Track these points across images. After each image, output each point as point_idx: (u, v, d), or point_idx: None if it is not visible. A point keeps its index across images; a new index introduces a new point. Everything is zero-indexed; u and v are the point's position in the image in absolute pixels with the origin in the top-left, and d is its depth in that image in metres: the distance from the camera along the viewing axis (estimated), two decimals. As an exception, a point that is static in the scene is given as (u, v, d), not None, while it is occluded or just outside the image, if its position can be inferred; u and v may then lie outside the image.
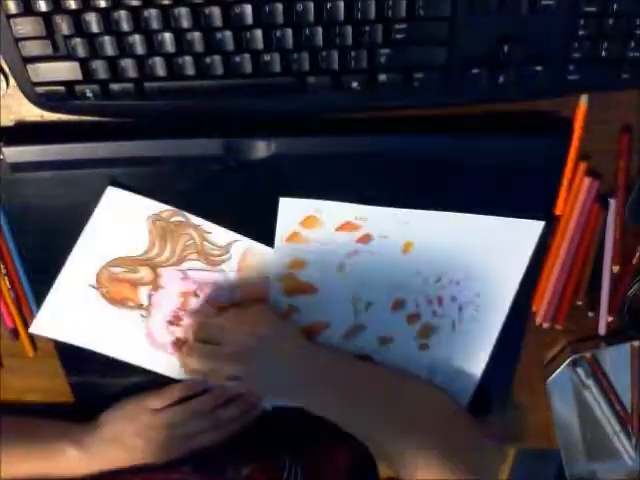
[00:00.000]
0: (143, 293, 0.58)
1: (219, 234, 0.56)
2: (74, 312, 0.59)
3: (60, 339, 0.60)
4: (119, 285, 0.58)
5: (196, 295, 0.58)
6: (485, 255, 0.55)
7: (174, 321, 0.59)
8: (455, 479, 0.51)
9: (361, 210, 0.54)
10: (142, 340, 0.60)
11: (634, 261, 0.57)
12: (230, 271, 0.57)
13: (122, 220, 0.55)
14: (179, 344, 0.60)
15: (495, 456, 0.57)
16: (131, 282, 0.58)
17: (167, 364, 0.61)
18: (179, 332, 0.60)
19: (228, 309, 0.58)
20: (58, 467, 0.58)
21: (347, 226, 0.54)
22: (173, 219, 0.55)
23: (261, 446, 0.62)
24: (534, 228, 0.54)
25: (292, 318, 0.59)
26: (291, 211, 0.54)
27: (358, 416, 0.55)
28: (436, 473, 0.52)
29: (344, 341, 0.60)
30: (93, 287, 0.57)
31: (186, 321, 0.59)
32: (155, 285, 0.58)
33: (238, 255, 0.56)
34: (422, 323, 0.59)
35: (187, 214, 0.55)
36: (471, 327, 0.59)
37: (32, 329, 0.60)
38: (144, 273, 0.57)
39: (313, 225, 0.55)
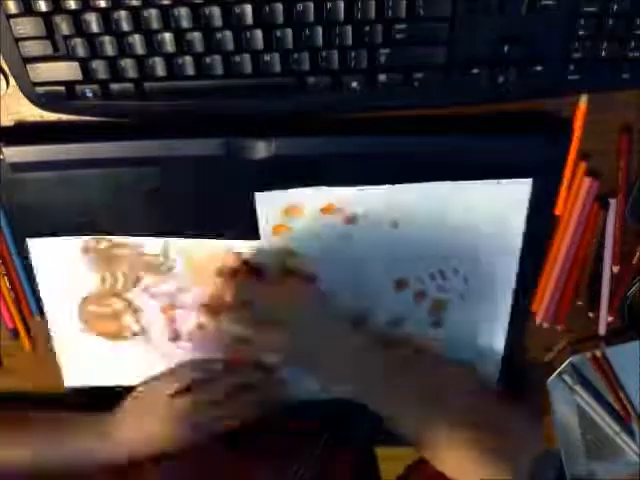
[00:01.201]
0: (130, 320, 0.59)
1: (150, 243, 0.55)
2: (89, 356, 0.59)
3: (95, 384, 0.61)
4: (104, 321, 0.58)
5: (175, 307, 0.58)
6: (478, 222, 0.55)
7: (174, 337, 0.59)
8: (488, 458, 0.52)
9: (340, 191, 0.53)
10: (160, 362, 0.60)
11: (634, 261, 0.57)
12: (182, 274, 0.57)
13: (61, 264, 0.55)
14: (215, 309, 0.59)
15: (531, 434, 0.57)
16: (112, 315, 0.58)
17: None
18: (184, 346, 0.60)
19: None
20: (85, 455, 0.58)
21: (329, 209, 0.54)
22: (101, 246, 0.55)
23: (271, 445, 0.62)
24: (522, 187, 0.53)
25: None
26: (270, 204, 0.54)
27: (391, 398, 0.55)
28: (468, 451, 0.52)
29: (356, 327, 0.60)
30: (84, 330, 0.58)
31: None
32: (134, 310, 0.58)
33: (180, 256, 0.56)
34: (430, 299, 0.58)
35: (112, 237, 0.55)
36: (482, 296, 0.58)
37: (66, 383, 0.62)
38: (117, 304, 0.58)
39: (295, 214, 0.54)
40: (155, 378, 0.61)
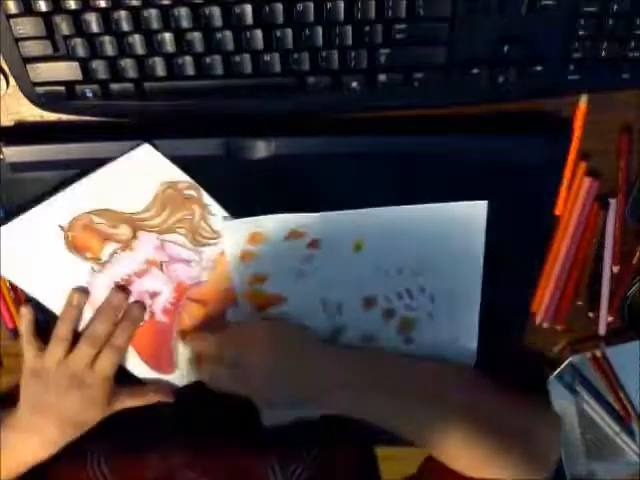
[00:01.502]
0: (108, 250, 0.57)
1: (219, 219, 0.55)
2: (29, 247, 0.56)
3: (13, 281, 0.58)
4: (89, 234, 0.56)
5: (160, 267, 0.58)
6: (438, 242, 0.55)
7: (123, 284, 0.58)
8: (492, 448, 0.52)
9: (301, 218, 0.54)
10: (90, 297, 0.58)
11: (634, 261, 0.57)
12: (208, 256, 0.57)
13: (137, 177, 0.54)
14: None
15: (545, 422, 0.57)
16: (103, 235, 0.56)
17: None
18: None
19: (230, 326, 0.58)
20: (13, 457, 0.57)
21: (292, 235, 0.55)
22: (186, 192, 0.54)
23: (271, 445, 0.62)
24: (479, 208, 0.53)
25: None
26: (235, 232, 0.55)
27: (386, 406, 0.54)
28: (476, 448, 0.52)
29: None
30: (61, 228, 0.55)
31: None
32: (126, 245, 0.57)
33: (224, 245, 0.56)
34: (399, 318, 0.59)
35: (202, 190, 0.54)
36: (449, 314, 0.58)
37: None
38: (123, 230, 0.56)
39: (260, 241, 0.55)
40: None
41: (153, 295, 0.59)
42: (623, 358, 0.62)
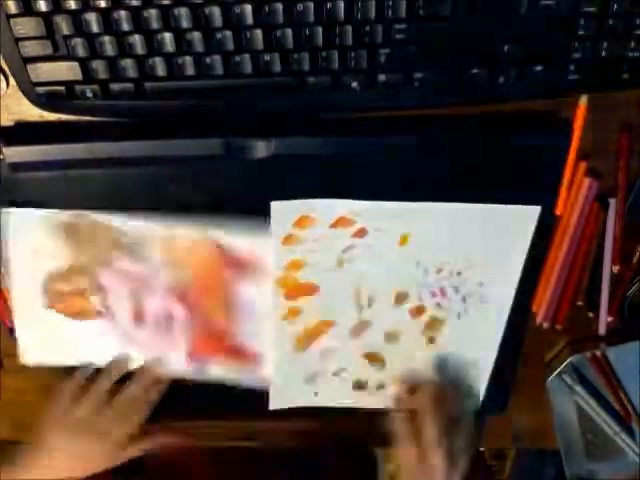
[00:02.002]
0: (95, 300, 0.58)
1: (130, 223, 0.55)
2: (48, 335, 0.59)
3: (52, 363, 0.61)
4: (69, 299, 0.57)
5: (142, 289, 0.58)
6: (484, 244, 0.55)
7: (138, 317, 0.59)
8: None
9: (354, 205, 0.53)
10: (121, 344, 0.60)
11: (634, 261, 0.57)
12: (157, 258, 0.56)
13: (33, 238, 0.54)
14: None
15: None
16: (77, 293, 0.57)
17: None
18: (150, 326, 0.59)
19: None
20: None
21: (341, 221, 0.54)
22: (81, 222, 0.54)
23: (272, 446, 0.62)
24: (531, 213, 0.53)
25: (296, 319, 0.59)
26: (284, 214, 0.54)
27: None
28: None
29: (351, 339, 0.60)
30: (49, 307, 0.58)
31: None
32: (100, 290, 0.58)
33: (159, 239, 0.56)
34: (427, 316, 0.59)
35: (91, 213, 0.54)
36: (477, 318, 0.58)
37: (22, 360, 0.61)
38: (82, 282, 0.57)
39: (307, 224, 0.54)
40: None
41: (169, 312, 0.59)
42: (623, 358, 0.62)
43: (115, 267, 0.57)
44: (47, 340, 0.60)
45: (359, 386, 0.63)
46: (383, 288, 0.58)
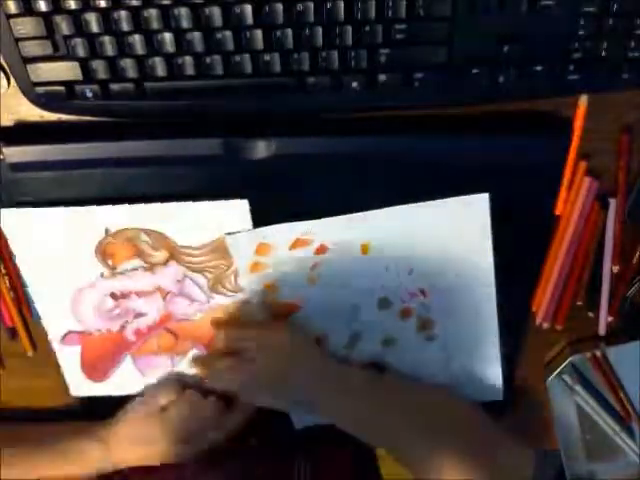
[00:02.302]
0: (131, 264, 0.57)
1: (245, 278, 0.57)
2: (53, 233, 0.56)
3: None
4: (125, 246, 0.57)
5: (165, 297, 0.59)
6: (444, 238, 0.55)
7: (118, 295, 0.59)
8: None
9: (305, 225, 0.54)
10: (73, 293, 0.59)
11: (634, 261, 0.57)
12: (214, 303, 0.59)
13: (211, 221, 0.55)
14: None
15: (521, 458, 0.57)
16: (138, 252, 0.57)
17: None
18: (107, 304, 0.59)
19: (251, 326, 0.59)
20: (84, 466, 0.59)
21: (299, 243, 0.55)
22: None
23: (271, 445, 0.62)
24: (480, 201, 0.53)
25: None
26: (240, 245, 0.55)
27: (382, 428, 0.55)
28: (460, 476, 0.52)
29: (348, 350, 0.60)
30: (106, 231, 0.56)
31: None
32: (150, 267, 0.57)
33: None
34: (417, 317, 0.59)
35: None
36: (466, 308, 0.58)
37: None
38: (160, 255, 0.57)
39: (267, 251, 0.55)
40: (148, 390, 0.61)
41: (137, 315, 0.60)
42: (623, 358, 0.62)
43: (190, 276, 0.58)
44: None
45: None
46: (363, 298, 0.58)
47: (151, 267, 0.57)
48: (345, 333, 0.60)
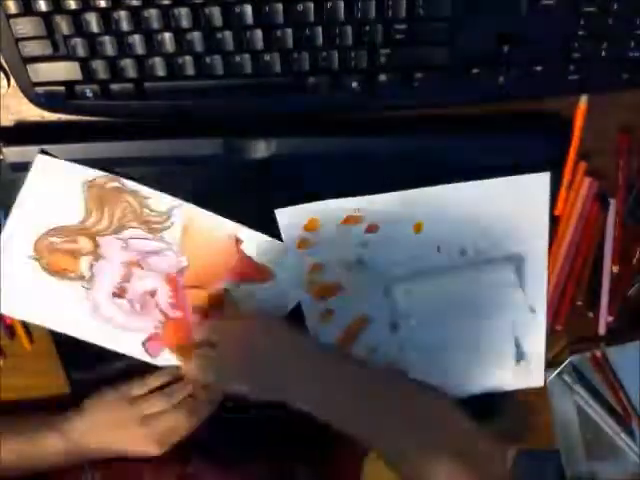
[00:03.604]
0: (84, 264, 0.57)
1: (159, 200, 0.54)
2: (19, 286, 0.57)
3: (15, 316, 0.59)
4: (58, 255, 0.56)
5: (139, 265, 0.57)
6: (501, 218, 0.54)
7: (118, 293, 0.58)
8: None
9: (358, 202, 0.53)
10: (87, 313, 0.58)
11: (634, 261, 0.57)
12: (173, 239, 0.56)
13: (55, 188, 0.53)
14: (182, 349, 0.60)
15: (501, 461, 0.56)
16: (70, 252, 0.56)
17: (112, 338, 0.60)
18: (125, 304, 0.59)
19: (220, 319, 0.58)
20: (42, 453, 0.58)
21: (350, 220, 0.54)
22: (109, 185, 0.53)
23: (271, 447, 0.62)
24: (541, 180, 0.53)
25: (332, 320, 0.59)
26: (290, 220, 0.54)
27: (364, 421, 0.53)
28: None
29: (392, 333, 0.59)
30: (33, 258, 0.56)
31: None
32: (96, 255, 0.57)
33: (181, 222, 0.55)
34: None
35: (123, 180, 0.53)
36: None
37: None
38: (83, 243, 0.56)
39: (317, 227, 0.54)
40: (121, 385, 0.60)
41: (152, 294, 0.59)
42: (623, 358, 0.62)
43: (125, 236, 0.56)
44: (16, 291, 0.58)
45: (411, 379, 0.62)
46: (411, 278, 0.57)
47: (95, 255, 0.57)
48: (390, 315, 0.59)
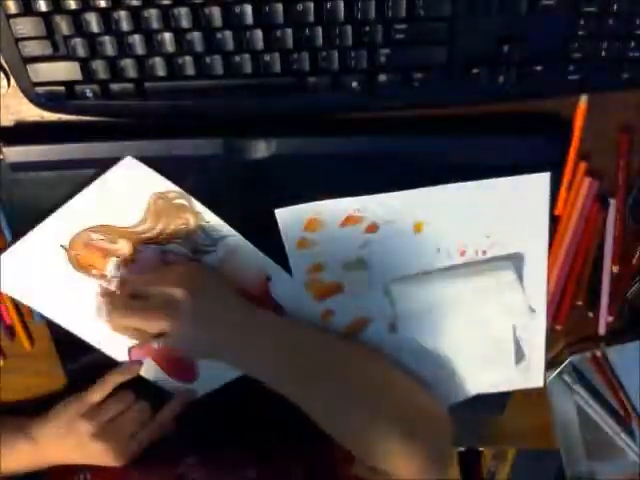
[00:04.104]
0: (112, 264, 0.57)
1: (215, 226, 0.55)
2: (36, 268, 0.56)
3: (15, 296, 0.58)
4: (91, 251, 0.56)
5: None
6: (501, 218, 0.54)
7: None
8: (413, 464, 0.50)
9: (358, 202, 0.53)
10: (91, 310, 0.58)
11: (634, 261, 0.57)
12: (209, 263, 0.57)
13: (126, 190, 0.53)
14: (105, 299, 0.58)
15: (446, 429, 0.55)
16: (104, 251, 0.56)
17: (106, 339, 0.59)
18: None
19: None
20: (11, 458, 0.58)
21: (350, 220, 0.54)
22: (176, 201, 0.54)
23: (265, 447, 0.62)
24: (541, 180, 0.52)
25: (331, 321, 0.59)
26: (290, 219, 0.54)
27: (302, 386, 0.52)
28: (398, 458, 0.50)
29: (390, 334, 0.59)
30: (63, 248, 0.56)
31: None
32: (128, 259, 0.57)
33: (224, 250, 0.56)
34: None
35: (192, 199, 0.54)
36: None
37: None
38: (121, 245, 0.56)
39: (317, 227, 0.54)
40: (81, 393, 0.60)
41: None
42: (623, 358, 0.62)
43: (165, 248, 0.57)
44: (29, 273, 0.57)
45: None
46: (411, 279, 0.57)
47: (127, 259, 0.57)
48: (389, 315, 0.59)
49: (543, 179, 0.52)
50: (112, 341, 0.59)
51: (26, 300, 0.58)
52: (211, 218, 0.55)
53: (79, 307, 0.58)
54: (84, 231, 0.55)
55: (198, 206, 0.54)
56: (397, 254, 0.56)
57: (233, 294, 0.55)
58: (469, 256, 0.56)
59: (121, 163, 0.52)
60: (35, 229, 0.54)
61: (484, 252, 0.56)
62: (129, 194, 0.54)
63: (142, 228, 0.56)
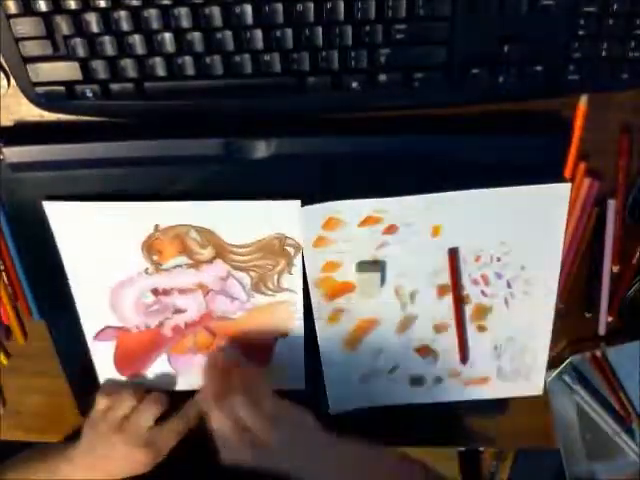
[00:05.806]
0: (177, 261, 0.57)
1: (292, 277, 0.57)
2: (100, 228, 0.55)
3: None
4: (173, 243, 0.56)
5: (206, 294, 0.58)
6: (519, 226, 0.55)
7: (159, 292, 0.58)
8: None
9: (379, 203, 0.53)
10: (112, 290, 0.58)
11: (634, 261, 0.57)
12: (257, 302, 0.59)
13: (261, 220, 0.55)
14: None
15: None
16: (187, 249, 0.56)
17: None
18: (146, 302, 0.59)
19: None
20: None
21: (369, 220, 0.54)
22: (287, 247, 0.56)
23: None
24: (561, 191, 0.53)
25: (340, 320, 0.59)
26: (312, 217, 0.54)
27: None
28: None
29: (398, 335, 0.60)
30: (155, 227, 0.55)
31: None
32: (196, 264, 0.57)
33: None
34: (473, 305, 0.59)
35: (301, 250, 0.56)
36: (526, 301, 0.58)
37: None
38: (206, 253, 0.56)
39: (335, 226, 0.55)
40: (104, 401, 0.60)
41: (176, 311, 0.60)
42: (623, 358, 0.62)
43: (234, 274, 0.57)
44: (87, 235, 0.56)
45: (415, 382, 0.63)
46: (424, 281, 0.57)
47: (196, 264, 0.57)
48: (398, 316, 0.59)
49: (564, 189, 0.53)
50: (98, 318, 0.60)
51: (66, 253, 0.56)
52: (297, 272, 0.56)
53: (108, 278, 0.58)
54: (188, 226, 0.55)
55: (298, 258, 0.56)
56: (412, 256, 0.56)
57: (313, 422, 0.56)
58: (483, 262, 0.56)
59: (292, 205, 0.53)
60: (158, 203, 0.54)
61: (499, 259, 0.56)
62: (259, 223, 0.55)
63: (239, 250, 0.56)
